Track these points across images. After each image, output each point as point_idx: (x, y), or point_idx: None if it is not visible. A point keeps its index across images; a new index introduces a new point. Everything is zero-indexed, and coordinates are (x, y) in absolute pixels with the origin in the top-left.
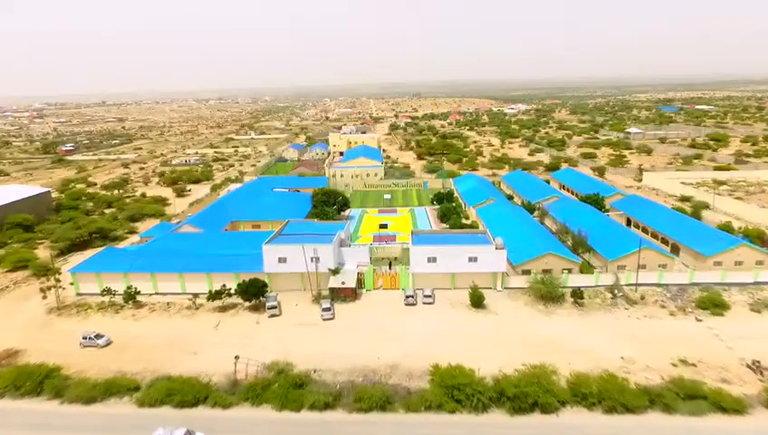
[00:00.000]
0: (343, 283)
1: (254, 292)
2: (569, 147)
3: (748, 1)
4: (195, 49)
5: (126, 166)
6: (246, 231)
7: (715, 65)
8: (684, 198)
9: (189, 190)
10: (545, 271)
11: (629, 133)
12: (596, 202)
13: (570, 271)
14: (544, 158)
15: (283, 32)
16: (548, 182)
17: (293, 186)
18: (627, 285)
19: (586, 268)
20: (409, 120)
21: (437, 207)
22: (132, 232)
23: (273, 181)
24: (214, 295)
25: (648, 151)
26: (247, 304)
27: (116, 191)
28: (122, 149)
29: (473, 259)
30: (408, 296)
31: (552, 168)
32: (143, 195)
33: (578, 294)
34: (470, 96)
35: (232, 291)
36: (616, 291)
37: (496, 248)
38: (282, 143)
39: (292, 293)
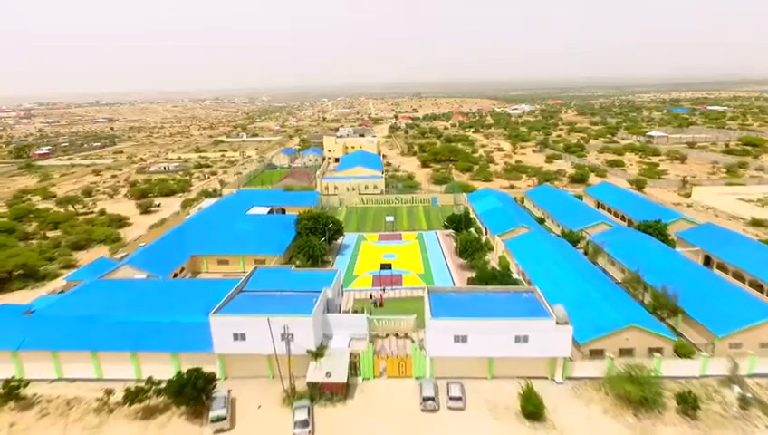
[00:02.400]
0: (329, 374)
1: (192, 395)
2: (588, 152)
3: (746, 2)
4: (194, 49)
5: (97, 173)
6: (201, 279)
7: (710, 66)
8: (756, 222)
9: (159, 205)
10: (623, 350)
11: (652, 137)
12: (658, 232)
13: (660, 351)
14: (565, 165)
15: (283, 32)
16: (580, 198)
17: (278, 203)
18: (749, 376)
19: (683, 347)
20: (410, 122)
21: (451, 231)
22: (71, 266)
23: (255, 196)
24: (132, 396)
25: (682, 158)
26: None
27: (70, 207)
28: (101, 153)
29: (521, 339)
30: (426, 399)
31: (579, 179)
32: (102, 212)
33: (688, 399)
34: (470, 96)
35: (162, 385)
36: (744, 392)
37: (557, 323)
38: (274, 146)
39: (255, 383)
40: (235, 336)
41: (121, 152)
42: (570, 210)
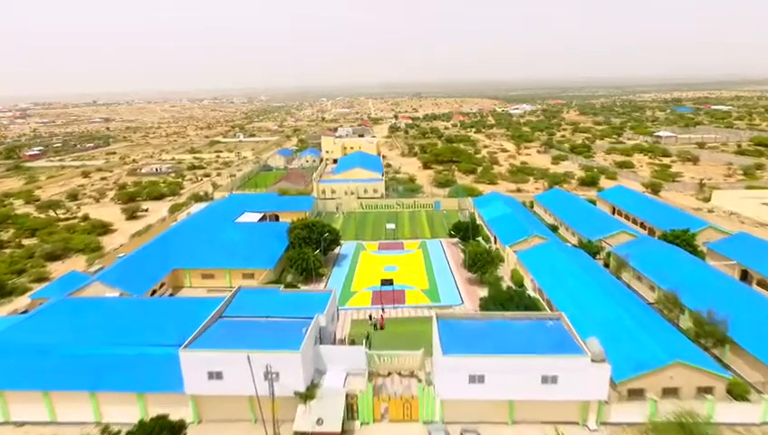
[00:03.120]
0: (320, 421)
1: None
2: (595, 153)
3: (746, 2)
4: (193, 49)
5: (86, 175)
6: (180, 297)
7: (710, 66)
8: None
9: (146, 210)
10: (667, 390)
11: (660, 137)
12: (687, 243)
13: (710, 391)
14: (572, 167)
15: (283, 32)
16: (593, 203)
17: (271, 208)
18: None
19: (737, 385)
20: (410, 122)
21: (457, 240)
22: (42, 279)
23: (247, 201)
24: None
25: (694, 160)
26: None
27: (51, 212)
28: (94, 154)
29: (550, 379)
30: None
31: (589, 182)
32: (85, 217)
33: None
34: (470, 96)
35: None
36: None
37: (593, 360)
38: (271, 147)
39: (234, 428)
40: (210, 375)
41: (114, 153)
42: (585, 217)
